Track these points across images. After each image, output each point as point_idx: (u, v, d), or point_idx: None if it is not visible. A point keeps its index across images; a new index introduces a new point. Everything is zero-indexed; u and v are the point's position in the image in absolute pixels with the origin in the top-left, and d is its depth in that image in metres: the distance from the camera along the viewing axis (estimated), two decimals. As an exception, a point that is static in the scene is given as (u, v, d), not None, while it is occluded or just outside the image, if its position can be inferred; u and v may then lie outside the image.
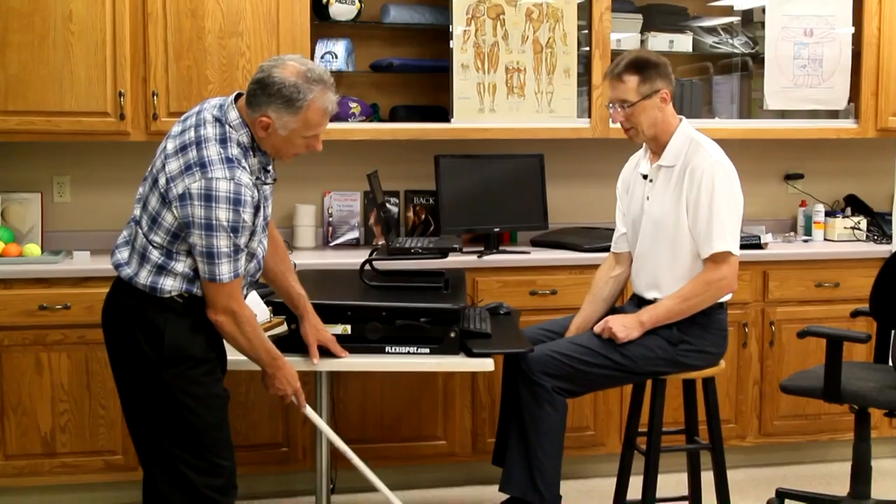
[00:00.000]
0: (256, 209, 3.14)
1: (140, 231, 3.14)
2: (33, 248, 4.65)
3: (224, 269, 3.05)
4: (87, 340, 4.45)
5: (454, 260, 4.54)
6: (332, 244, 5.21)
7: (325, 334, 3.57)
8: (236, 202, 3.00)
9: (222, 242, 3.02)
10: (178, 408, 3.13)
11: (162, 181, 3.07)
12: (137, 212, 3.18)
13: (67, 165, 5.01)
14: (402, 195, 5.30)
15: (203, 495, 3.16)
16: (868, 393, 4.16)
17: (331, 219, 5.21)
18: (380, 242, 5.13)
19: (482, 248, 4.98)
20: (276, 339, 3.60)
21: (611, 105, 3.91)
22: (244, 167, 3.07)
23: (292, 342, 3.56)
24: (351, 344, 3.63)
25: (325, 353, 3.56)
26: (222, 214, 2.99)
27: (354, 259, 4.43)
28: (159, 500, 3.23)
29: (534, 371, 3.79)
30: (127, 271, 3.16)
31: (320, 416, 4.10)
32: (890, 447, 5.35)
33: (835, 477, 5.00)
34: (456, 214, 5.00)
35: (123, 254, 3.21)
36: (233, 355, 3.50)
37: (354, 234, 5.23)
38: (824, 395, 4.21)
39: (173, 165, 3.05)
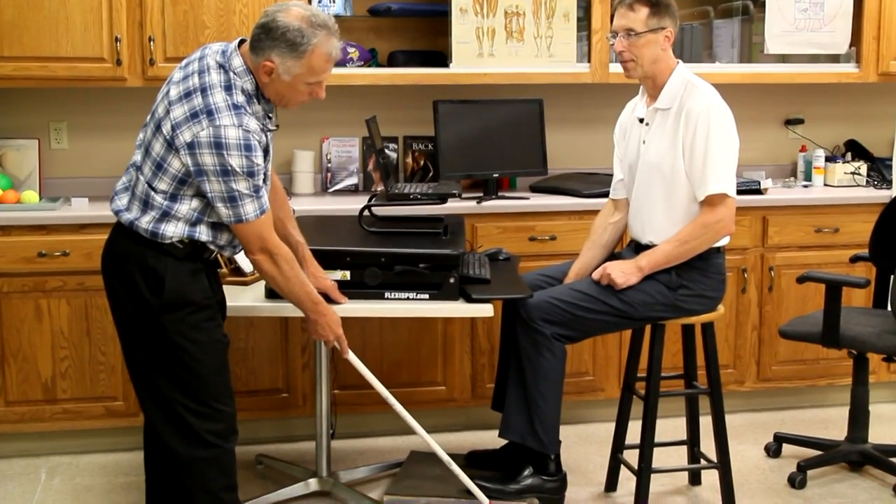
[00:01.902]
0: (265, 152, 3.15)
1: (142, 177, 3.13)
2: (31, 195, 4.64)
3: (249, 209, 3.07)
4: (86, 287, 4.45)
5: (453, 206, 4.53)
6: (330, 190, 5.19)
7: (324, 281, 3.58)
8: (247, 148, 3.01)
9: (241, 185, 3.03)
10: (179, 353, 3.14)
11: (167, 127, 3.05)
12: (138, 158, 3.17)
13: (64, 112, 4.99)
14: (400, 141, 5.28)
15: (203, 440, 3.17)
16: (866, 338, 4.17)
17: (329, 165, 5.19)
18: (378, 188, 5.12)
19: (481, 194, 4.97)
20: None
21: (613, 35, 3.88)
22: (250, 113, 3.07)
23: None
24: (350, 290, 3.63)
25: (325, 299, 3.56)
26: (235, 161, 2.99)
27: (353, 205, 4.42)
28: (160, 446, 3.24)
29: (533, 318, 3.79)
30: (127, 216, 3.15)
31: (319, 362, 4.11)
32: (888, 392, 5.37)
33: (832, 421, 5.02)
34: (455, 160, 4.98)
35: (123, 200, 3.20)
36: (232, 301, 3.50)
37: (353, 180, 5.22)
38: (823, 341, 4.23)
39: (178, 112, 3.04)
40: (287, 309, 3.54)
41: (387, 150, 5.19)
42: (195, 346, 3.15)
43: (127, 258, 3.17)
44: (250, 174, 3.03)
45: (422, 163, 5.27)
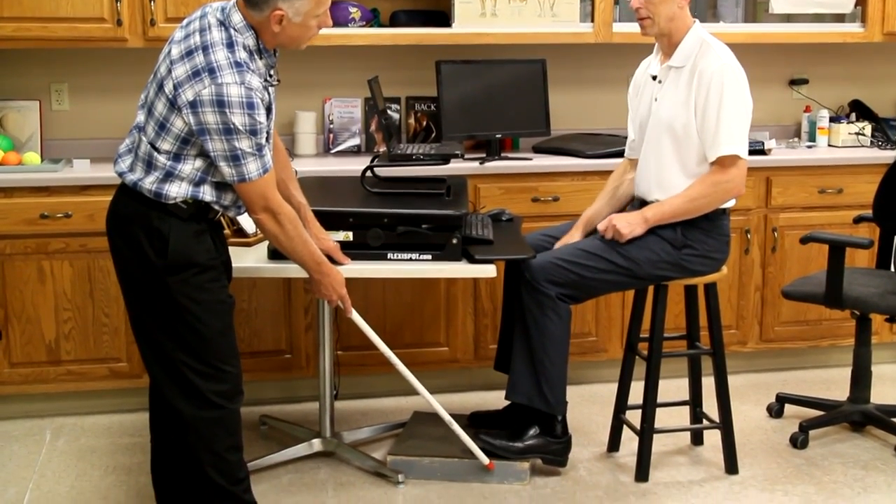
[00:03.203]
0: (268, 111, 3.14)
1: (144, 138, 3.12)
2: (33, 157, 4.63)
3: (252, 168, 3.05)
4: (88, 249, 4.46)
5: (456, 166, 4.52)
6: (333, 151, 5.18)
7: (327, 242, 3.58)
8: (249, 106, 2.99)
9: (244, 143, 3.01)
10: (183, 314, 3.13)
11: (169, 87, 3.03)
12: (141, 118, 3.15)
13: (65, 73, 4.97)
14: (403, 101, 5.26)
15: (208, 400, 3.18)
16: (869, 299, 4.17)
17: (331, 126, 5.18)
18: (381, 149, 5.10)
19: (484, 155, 4.95)
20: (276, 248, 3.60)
21: None
22: (252, 70, 3.05)
23: None
24: (353, 251, 3.63)
25: (329, 260, 3.56)
26: (237, 119, 2.98)
27: (356, 166, 4.41)
28: (165, 407, 3.25)
29: (538, 279, 3.79)
30: (131, 178, 3.14)
31: (322, 323, 4.12)
32: (890, 353, 5.37)
33: (835, 382, 5.03)
34: (457, 121, 4.97)
35: (126, 161, 3.19)
36: (236, 262, 3.50)
37: (355, 141, 5.20)
38: (826, 301, 4.23)
39: (180, 71, 3.02)
40: (290, 270, 3.54)
41: (389, 111, 5.18)
42: (200, 307, 3.15)
43: (131, 219, 3.16)
44: (253, 132, 3.01)
45: (424, 123, 5.26)
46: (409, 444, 4.14)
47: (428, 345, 4.82)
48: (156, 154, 3.09)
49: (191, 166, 3.10)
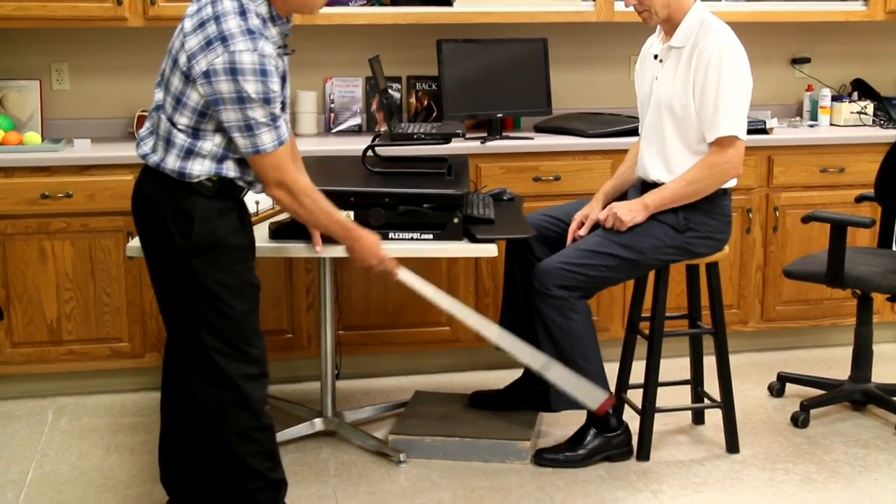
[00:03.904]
0: (283, 80, 3.09)
1: (163, 115, 3.08)
2: (33, 137, 4.62)
3: (266, 139, 3.00)
4: (89, 229, 4.45)
5: (457, 146, 4.51)
6: (334, 131, 5.17)
7: None
8: (262, 73, 2.94)
9: (258, 113, 2.96)
10: (208, 296, 3.09)
11: (183, 59, 2.99)
12: (159, 96, 3.11)
13: (65, 52, 4.95)
14: (404, 81, 5.24)
15: (232, 383, 3.14)
16: (871, 278, 4.17)
17: (332, 105, 5.17)
18: (382, 128, 5.10)
19: (485, 134, 4.95)
20: (279, 226, 3.59)
21: None
22: (265, 37, 3.01)
23: (294, 229, 3.55)
24: (354, 230, 3.62)
25: (330, 240, 3.55)
26: (251, 87, 2.93)
27: (357, 145, 4.40)
28: (186, 389, 3.23)
29: (547, 286, 3.78)
30: (154, 159, 3.10)
31: (324, 303, 4.12)
32: (891, 332, 5.38)
33: (836, 361, 5.04)
34: (459, 100, 4.96)
35: (148, 144, 3.14)
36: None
37: (356, 121, 5.20)
38: (827, 280, 4.23)
39: (192, 42, 2.98)
40: (291, 249, 3.53)
41: (390, 91, 5.17)
42: (225, 290, 3.11)
43: (156, 200, 3.12)
44: (266, 100, 2.96)
45: (425, 103, 5.25)
46: (410, 423, 4.14)
47: (429, 324, 4.82)
48: (174, 130, 3.05)
49: (211, 143, 3.05)
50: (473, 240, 3.64)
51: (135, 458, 4.03)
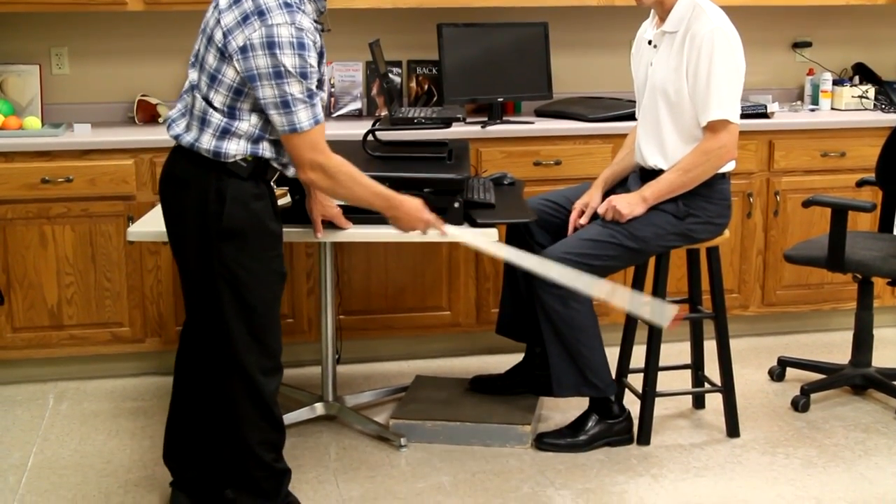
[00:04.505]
0: (320, 56, 3.05)
1: (198, 94, 3.04)
2: (34, 121, 4.62)
3: (303, 116, 2.97)
4: (90, 213, 4.45)
5: (457, 130, 4.51)
6: (334, 115, 5.16)
7: (331, 209, 3.53)
8: (300, 46, 2.91)
9: (295, 89, 2.93)
10: (235, 282, 3.07)
11: (218, 36, 2.97)
12: (194, 76, 3.08)
13: (65, 36, 4.94)
14: (404, 65, 5.24)
15: (249, 375, 3.13)
16: (871, 262, 4.17)
17: (333, 89, 5.16)
18: (382, 113, 5.09)
19: (486, 119, 4.94)
20: (279, 211, 3.58)
21: None
22: (302, 11, 2.98)
23: (295, 213, 3.54)
24: (355, 215, 3.61)
25: (331, 225, 3.55)
26: (288, 61, 2.90)
27: (357, 130, 4.39)
28: (200, 373, 3.25)
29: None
30: (188, 139, 3.06)
31: (324, 288, 4.11)
32: (892, 316, 5.38)
33: (836, 346, 5.04)
34: (459, 84, 4.95)
35: (181, 124, 3.11)
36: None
37: (357, 105, 5.19)
38: (828, 265, 4.23)
39: (228, 18, 2.95)
40: (291, 234, 3.52)
41: (390, 75, 5.16)
42: (251, 276, 3.08)
43: (188, 182, 3.09)
44: (303, 75, 2.93)
45: (426, 87, 5.24)
46: (411, 407, 4.15)
47: (430, 309, 4.82)
48: (210, 110, 3.02)
49: (247, 123, 3.02)
50: (474, 224, 3.64)
51: (136, 443, 4.03)
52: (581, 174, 4.63)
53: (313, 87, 2.98)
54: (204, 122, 3.04)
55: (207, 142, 3.03)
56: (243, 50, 2.92)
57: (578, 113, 4.97)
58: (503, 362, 4.47)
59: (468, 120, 4.76)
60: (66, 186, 4.42)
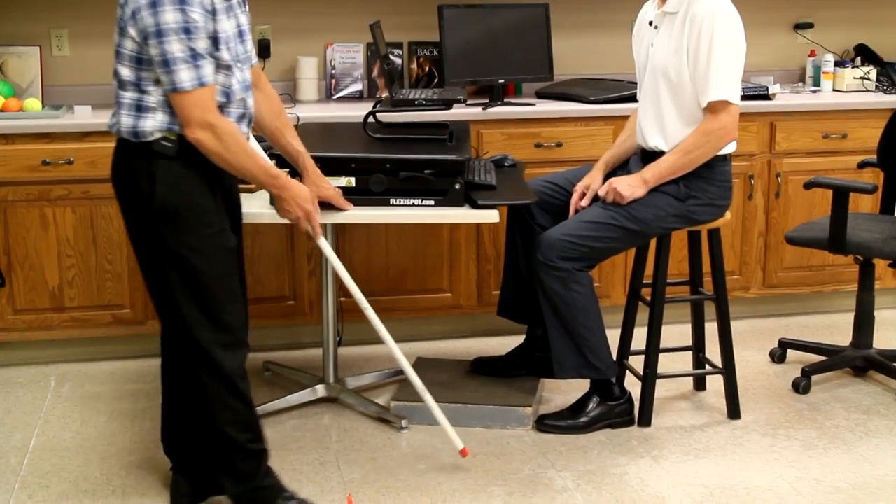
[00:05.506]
0: (213, 13, 2.96)
1: (114, 80, 3.06)
2: (34, 103, 4.61)
3: (184, 76, 2.90)
4: (91, 195, 4.45)
5: (458, 112, 4.50)
6: (335, 97, 5.15)
7: (327, 190, 3.51)
8: (181, 1, 2.87)
9: (175, 46, 2.88)
10: (177, 260, 3.06)
11: (118, 15, 2.97)
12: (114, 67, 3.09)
13: (65, 18, 4.93)
14: (405, 46, 5.22)
15: (205, 352, 3.11)
16: (873, 244, 4.16)
17: (334, 71, 5.15)
18: (383, 94, 5.08)
19: (487, 100, 4.93)
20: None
21: None
22: None
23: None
24: (355, 196, 3.61)
25: (330, 206, 3.54)
26: (169, 17, 2.86)
27: (358, 111, 4.38)
28: (171, 356, 3.25)
29: (551, 258, 3.78)
30: (113, 123, 3.08)
31: (325, 269, 4.12)
32: (893, 298, 5.38)
33: (837, 327, 5.04)
34: (460, 66, 4.94)
35: (113, 115, 3.13)
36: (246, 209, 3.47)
37: (357, 87, 5.18)
38: (829, 247, 4.22)
39: None
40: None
41: (391, 56, 5.15)
42: (194, 254, 3.06)
43: (121, 167, 3.11)
44: (185, 31, 2.88)
45: (427, 69, 5.23)
46: (412, 389, 4.14)
47: (431, 291, 4.82)
48: (121, 91, 3.02)
49: (156, 95, 2.99)
50: (475, 206, 3.64)
51: (137, 425, 4.04)
52: (582, 156, 4.63)
53: (199, 46, 2.92)
54: (119, 104, 3.04)
55: (126, 123, 3.03)
56: (133, 15, 2.91)
57: (580, 94, 4.96)
58: (504, 344, 4.48)
59: (469, 102, 4.75)
60: (66, 168, 4.41)
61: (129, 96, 3.02)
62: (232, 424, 3.19)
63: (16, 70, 4.81)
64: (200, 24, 2.91)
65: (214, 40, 2.98)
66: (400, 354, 3.66)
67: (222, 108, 3.05)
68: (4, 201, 4.41)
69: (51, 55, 4.92)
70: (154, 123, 3.01)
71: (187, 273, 3.07)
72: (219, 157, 3.02)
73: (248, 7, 3.21)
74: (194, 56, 2.91)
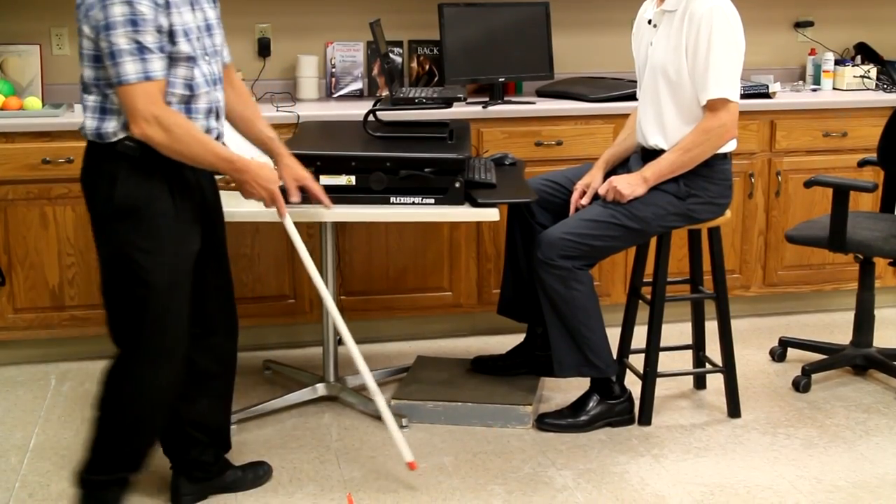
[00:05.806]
0: (165, 6, 2.91)
1: (80, 83, 3.03)
2: (34, 102, 4.61)
3: (129, 69, 2.86)
4: (91, 194, 4.45)
5: (458, 110, 4.50)
6: (335, 95, 5.15)
7: (300, 171, 3.46)
8: None
9: (121, 39, 2.84)
10: (126, 261, 3.01)
11: (75, 15, 2.94)
12: None
13: (65, 17, 4.92)
14: (405, 45, 5.22)
15: (132, 355, 3.16)
16: (873, 242, 4.16)
17: (333, 70, 5.15)
18: (383, 93, 5.08)
19: (487, 99, 4.93)
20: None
21: None
22: None
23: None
24: (355, 195, 3.62)
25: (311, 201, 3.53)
26: (117, 10, 2.82)
27: (358, 110, 4.38)
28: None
29: (552, 257, 3.77)
30: (81, 125, 3.05)
31: (326, 268, 4.11)
32: (893, 296, 5.38)
33: (837, 326, 5.04)
34: (460, 64, 4.94)
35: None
36: (235, 208, 3.47)
37: (358, 85, 5.18)
38: (829, 245, 4.22)
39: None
40: (292, 214, 3.52)
41: (391, 55, 5.15)
42: (144, 255, 3.00)
43: (86, 169, 3.08)
44: (132, 23, 2.84)
45: (427, 67, 5.23)
46: (412, 388, 4.15)
47: (431, 289, 4.82)
48: (84, 94, 3.00)
49: (117, 98, 2.95)
50: (475, 204, 3.63)
51: (138, 423, 4.04)
52: (582, 154, 4.63)
53: (146, 39, 2.87)
54: (85, 107, 3.02)
55: (90, 125, 3.00)
56: (87, 12, 2.88)
57: (580, 93, 4.96)
58: (504, 343, 4.48)
59: (469, 100, 4.75)
60: (66, 167, 4.41)
61: (92, 99, 3.00)
62: (127, 434, 3.21)
63: (16, 69, 4.81)
64: (149, 17, 2.87)
65: (170, 34, 2.94)
66: (357, 353, 3.57)
67: (188, 101, 3.02)
68: (4, 200, 4.41)
69: (51, 54, 4.92)
70: (117, 125, 2.98)
71: (133, 273, 3.02)
72: (169, 148, 2.95)
73: (217, 3, 3.19)
74: (140, 49, 2.87)
